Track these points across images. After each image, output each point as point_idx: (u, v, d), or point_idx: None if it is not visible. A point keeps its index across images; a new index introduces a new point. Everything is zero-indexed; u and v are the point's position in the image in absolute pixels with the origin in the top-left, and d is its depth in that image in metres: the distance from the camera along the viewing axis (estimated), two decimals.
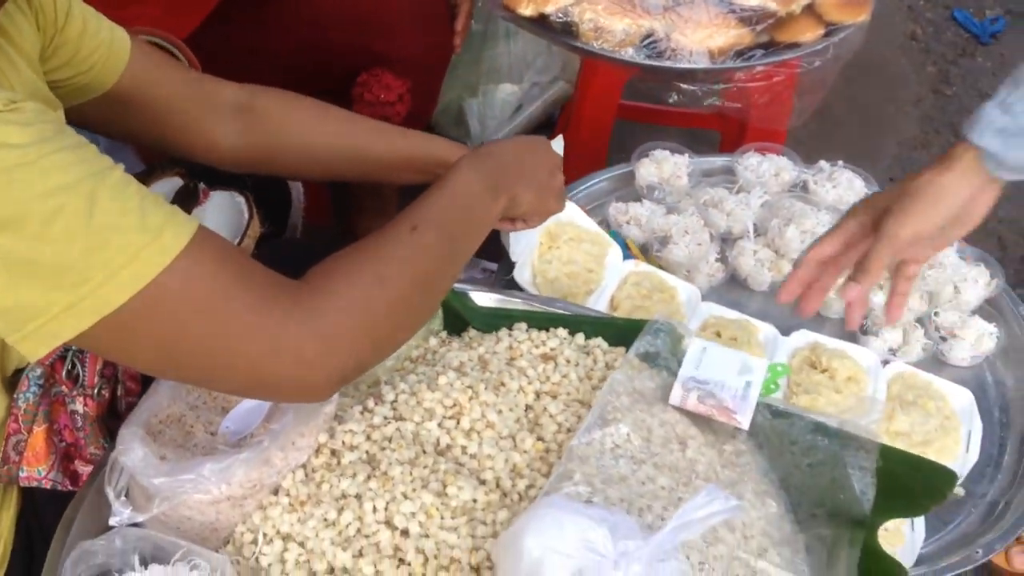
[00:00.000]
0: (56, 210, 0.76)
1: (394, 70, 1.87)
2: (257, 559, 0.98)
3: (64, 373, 1.05)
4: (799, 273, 1.15)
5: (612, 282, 1.51)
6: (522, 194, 1.14)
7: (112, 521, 0.96)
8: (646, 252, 1.59)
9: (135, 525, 0.98)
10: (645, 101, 2.39)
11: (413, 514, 0.97)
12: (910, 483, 1.02)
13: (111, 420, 1.12)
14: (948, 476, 1.01)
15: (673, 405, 1.07)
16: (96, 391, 1.07)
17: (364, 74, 1.88)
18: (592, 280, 1.50)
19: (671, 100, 1.66)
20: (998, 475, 1.37)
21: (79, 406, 1.06)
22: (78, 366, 1.05)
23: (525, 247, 1.49)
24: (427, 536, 0.96)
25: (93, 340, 0.81)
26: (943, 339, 1.50)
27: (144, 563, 0.95)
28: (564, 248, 1.51)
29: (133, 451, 0.96)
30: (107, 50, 1.09)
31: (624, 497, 0.97)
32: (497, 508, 0.99)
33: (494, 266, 1.54)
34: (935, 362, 1.50)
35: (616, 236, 1.59)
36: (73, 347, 1.02)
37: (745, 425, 1.05)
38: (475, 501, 1.00)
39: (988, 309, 1.53)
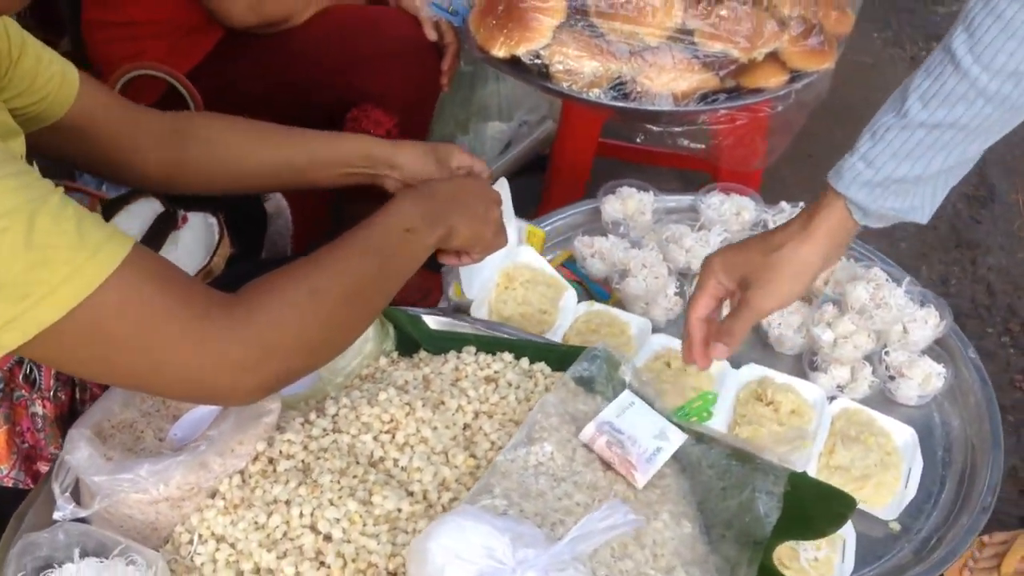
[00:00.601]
0: None
1: (382, 106, 1.96)
2: (192, 558, 1.04)
3: (22, 377, 1.12)
4: (695, 336, 1.20)
5: (566, 323, 1.56)
6: (458, 225, 1.21)
7: (56, 515, 1.01)
8: (607, 284, 1.64)
9: (82, 521, 1.04)
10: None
11: (337, 520, 1.02)
12: (813, 508, 1.06)
13: (72, 422, 1.19)
14: (848, 502, 1.05)
15: (583, 440, 1.11)
16: (52, 393, 1.14)
17: (354, 109, 1.97)
18: (546, 321, 1.55)
19: (638, 140, 1.73)
20: (935, 512, 1.39)
21: (39, 408, 1.13)
22: (35, 371, 1.12)
23: (482, 287, 1.55)
24: (348, 541, 1.01)
25: (35, 350, 0.88)
26: (891, 378, 1.53)
27: (85, 557, 1.01)
28: (520, 289, 1.58)
29: (79, 450, 1.03)
30: (60, 81, 1.17)
31: (539, 511, 1.02)
32: (420, 518, 1.04)
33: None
34: (884, 401, 1.54)
35: (577, 269, 1.66)
36: None
37: (640, 485, 1.08)
38: (399, 511, 1.05)
39: (937, 350, 1.57)
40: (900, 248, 2.71)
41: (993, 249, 2.78)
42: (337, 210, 2.08)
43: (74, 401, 1.19)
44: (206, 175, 1.32)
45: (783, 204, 1.74)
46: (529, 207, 1.94)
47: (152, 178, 1.31)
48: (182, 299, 0.93)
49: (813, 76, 1.77)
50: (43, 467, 1.18)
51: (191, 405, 1.14)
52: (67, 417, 1.19)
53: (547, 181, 2.14)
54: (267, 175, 1.36)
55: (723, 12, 1.69)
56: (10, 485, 1.17)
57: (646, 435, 1.13)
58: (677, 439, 1.14)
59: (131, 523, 1.06)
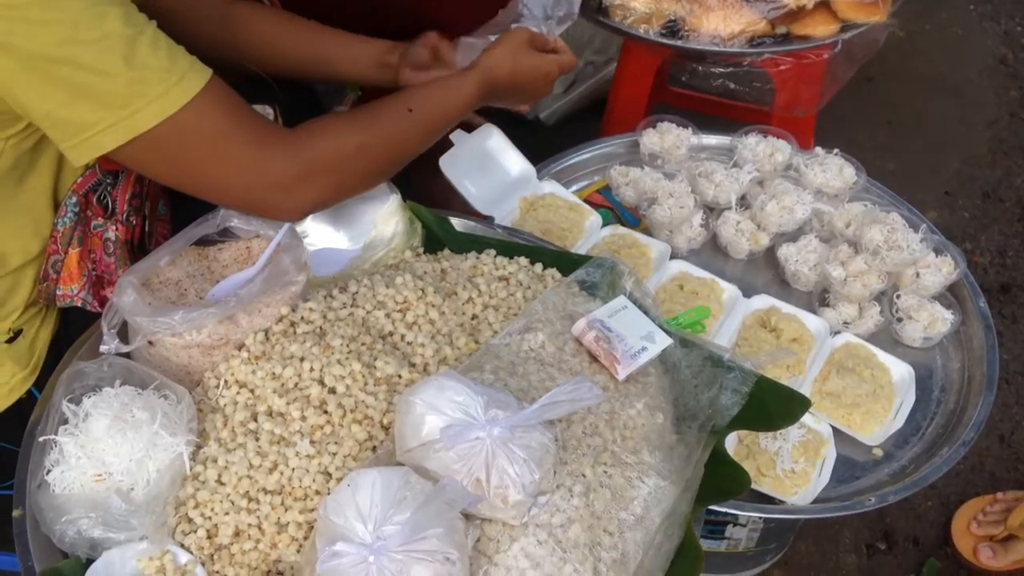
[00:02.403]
0: (106, 49, 1.03)
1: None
2: (217, 400, 1.19)
3: (96, 201, 1.29)
4: None
5: (588, 243, 1.65)
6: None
7: (102, 349, 1.16)
8: (638, 211, 1.73)
9: (127, 357, 1.19)
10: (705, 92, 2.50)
11: (342, 377, 1.15)
12: (772, 406, 1.15)
13: (141, 254, 1.35)
14: (804, 403, 1.13)
15: (574, 334, 1.21)
16: (125, 217, 1.32)
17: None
18: (567, 238, 1.63)
19: (684, 79, 1.79)
20: (919, 444, 1.46)
21: (111, 233, 1.31)
22: (107, 197, 1.30)
23: (503, 214, 1.66)
24: (350, 396, 1.14)
25: (124, 154, 1.09)
26: (899, 320, 1.59)
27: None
28: (541, 211, 1.67)
29: (126, 295, 1.18)
30: None
31: (521, 388, 1.13)
32: None
33: None
34: (891, 340, 1.59)
35: (611, 196, 1.74)
36: (104, 181, 1.28)
37: (621, 377, 1.16)
38: (400, 376, 1.17)
39: (949, 298, 1.61)
40: (963, 217, 2.71)
41: None
42: None
43: (143, 232, 1.36)
44: (240, 56, 1.47)
45: (818, 149, 1.79)
46: None
47: (201, 54, 1.47)
48: (247, 126, 1.15)
49: (862, 28, 1.81)
50: (110, 292, 1.34)
51: (232, 270, 1.29)
52: (135, 245, 1.35)
53: (604, 119, 2.22)
54: (293, 65, 1.52)
55: None
56: (79, 305, 1.34)
57: (634, 335, 1.22)
58: (663, 342, 1.23)
59: (168, 365, 1.20)
